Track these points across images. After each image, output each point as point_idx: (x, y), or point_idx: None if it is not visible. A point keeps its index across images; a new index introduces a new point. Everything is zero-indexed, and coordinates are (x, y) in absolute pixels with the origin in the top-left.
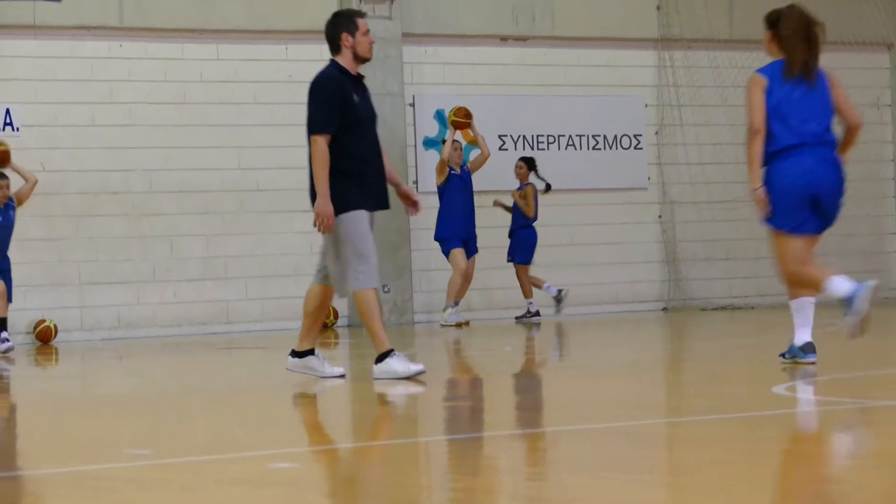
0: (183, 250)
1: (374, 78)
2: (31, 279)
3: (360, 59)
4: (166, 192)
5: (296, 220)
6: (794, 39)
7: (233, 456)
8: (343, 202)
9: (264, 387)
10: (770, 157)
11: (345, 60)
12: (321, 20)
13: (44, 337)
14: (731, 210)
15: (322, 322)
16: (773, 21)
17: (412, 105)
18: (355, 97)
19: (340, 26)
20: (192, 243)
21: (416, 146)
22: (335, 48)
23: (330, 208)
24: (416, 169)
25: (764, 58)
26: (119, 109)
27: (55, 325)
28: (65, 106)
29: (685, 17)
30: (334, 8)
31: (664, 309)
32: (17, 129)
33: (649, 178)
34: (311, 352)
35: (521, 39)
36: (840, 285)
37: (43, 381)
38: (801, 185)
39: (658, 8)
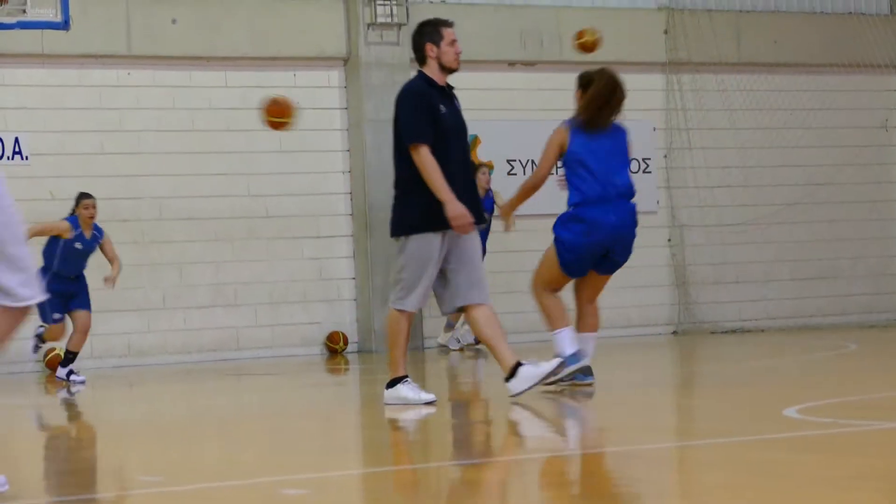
0: (192, 277)
1: (382, 104)
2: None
3: (447, 70)
4: (176, 219)
5: (305, 247)
6: (600, 101)
7: (243, 482)
8: (414, 222)
9: (274, 413)
10: (576, 206)
11: (431, 71)
12: (329, 47)
13: (53, 365)
14: (741, 233)
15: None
16: (587, 84)
17: None
18: (442, 108)
19: (425, 36)
20: (202, 270)
21: None
22: (421, 59)
23: (462, 209)
24: None
25: (769, 80)
26: (128, 137)
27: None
28: (73, 134)
29: (693, 41)
30: (342, 35)
31: (674, 332)
32: (26, 158)
33: (658, 202)
34: (518, 363)
35: (530, 64)
36: (563, 344)
37: (53, 410)
38: (597, 240)
39: (666, 32)
